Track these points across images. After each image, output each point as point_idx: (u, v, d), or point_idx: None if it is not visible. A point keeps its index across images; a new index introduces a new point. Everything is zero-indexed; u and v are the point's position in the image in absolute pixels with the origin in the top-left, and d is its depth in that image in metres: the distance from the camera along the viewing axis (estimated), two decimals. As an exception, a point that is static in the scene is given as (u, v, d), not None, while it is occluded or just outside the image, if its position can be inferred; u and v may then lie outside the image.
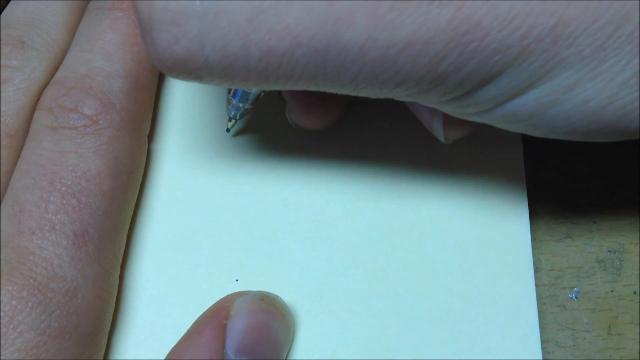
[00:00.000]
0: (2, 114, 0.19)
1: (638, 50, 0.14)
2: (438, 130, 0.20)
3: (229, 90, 0.21)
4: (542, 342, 0.21)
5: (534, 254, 0.22)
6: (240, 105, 0.21)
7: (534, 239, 0.23)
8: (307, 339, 0.20)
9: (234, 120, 0.22)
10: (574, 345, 0.21)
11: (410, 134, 0.23)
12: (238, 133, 0.23)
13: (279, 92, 0.23)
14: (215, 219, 0.22)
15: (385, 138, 0.23)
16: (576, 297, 0.22)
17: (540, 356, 0.20)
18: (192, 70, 0.15)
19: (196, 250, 0.22)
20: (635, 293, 0.22)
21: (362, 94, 0.16)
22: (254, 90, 0.20)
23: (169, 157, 0.23)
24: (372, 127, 0.23)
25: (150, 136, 0.23)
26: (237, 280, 0.21)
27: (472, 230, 0.22)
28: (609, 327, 0.22)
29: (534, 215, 0.23)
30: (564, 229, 0.23)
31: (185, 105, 0.24)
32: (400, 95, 0.16)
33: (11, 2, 0.22)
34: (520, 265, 0.21)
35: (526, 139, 0.23)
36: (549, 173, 0.24)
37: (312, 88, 0.16)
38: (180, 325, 0.20)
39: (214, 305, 0.20)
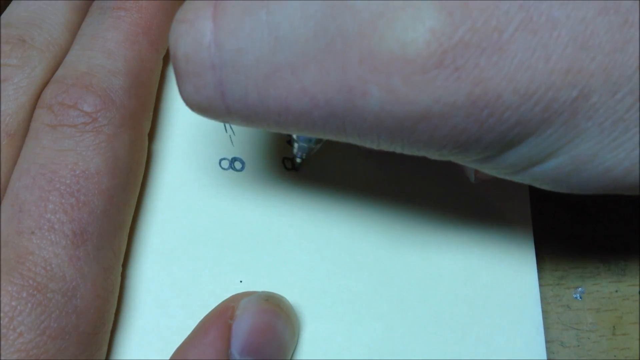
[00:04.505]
0: (1, 113, 0.19)
1: None
2: (470, 172, 0.20)
3: None
4: (547, 342, 0.21)
5: (537, 254, 0.22)
6: (305, 145, 0.20)
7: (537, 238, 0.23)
8: (312, 340, 0.20)
9: (300, 160, 0.21)
10: (579, 345, 0.21)
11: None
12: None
13: None
14: (219, 220, 0.22)
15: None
16: (580, 297, 0.22)
17: (544, 356, 0.20)
18: (218, 116, 0.15)
19: (200, 252, 0.21)
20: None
21: (388, 150, 0.16)
22: None
23: (172, 157, 0.23)
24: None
25: (153, 136, 0.23)
26: (241, 281, 0.21)
27: (475, 230, 0.22)
28: (614, 327, 0.22)
29: (537, 214, 0.23)
30: (567, 228, 0.23)
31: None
32: (425, 155, 0.16)
33: (14, 1, 0.22)
34: (524, 265, 0.21)
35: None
36: (552, 173, 0.24)
37: (337, 140, 0.16)
38: (184, 325, 0.20)
39: (219, 305, 0.19)
